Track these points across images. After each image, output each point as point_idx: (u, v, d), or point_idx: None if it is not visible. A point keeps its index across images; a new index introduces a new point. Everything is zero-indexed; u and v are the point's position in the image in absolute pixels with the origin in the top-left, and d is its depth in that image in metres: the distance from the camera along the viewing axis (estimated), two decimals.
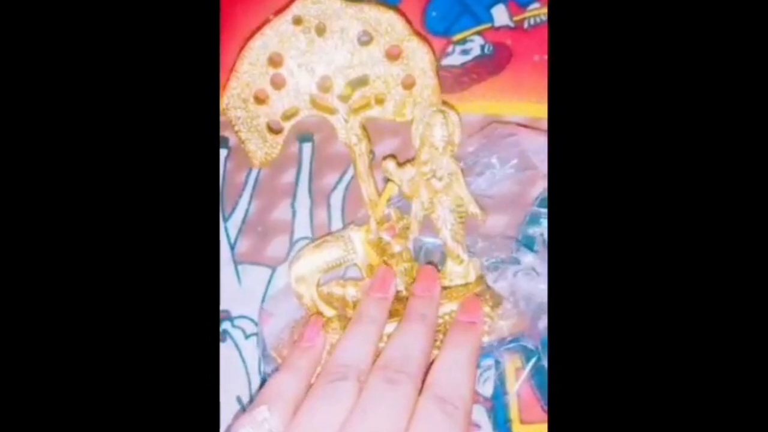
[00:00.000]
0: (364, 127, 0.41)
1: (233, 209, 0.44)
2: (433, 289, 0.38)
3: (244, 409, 0.42)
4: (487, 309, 0.38)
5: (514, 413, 0.39)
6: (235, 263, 0.43)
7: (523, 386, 0.40)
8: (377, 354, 0.36)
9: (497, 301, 0.38)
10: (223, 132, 0.44)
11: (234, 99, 0.41)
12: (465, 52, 0.43)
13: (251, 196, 0.44)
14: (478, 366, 0.38)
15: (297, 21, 0.40)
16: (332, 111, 0.41)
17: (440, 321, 0.38)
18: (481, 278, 0.39)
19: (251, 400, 0.41)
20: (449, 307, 0.38)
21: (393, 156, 0.41)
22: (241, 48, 0.40)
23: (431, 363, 0.36)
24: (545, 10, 0.43)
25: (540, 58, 0.43)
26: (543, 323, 0.38)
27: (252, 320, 0.43)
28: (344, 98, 0.41)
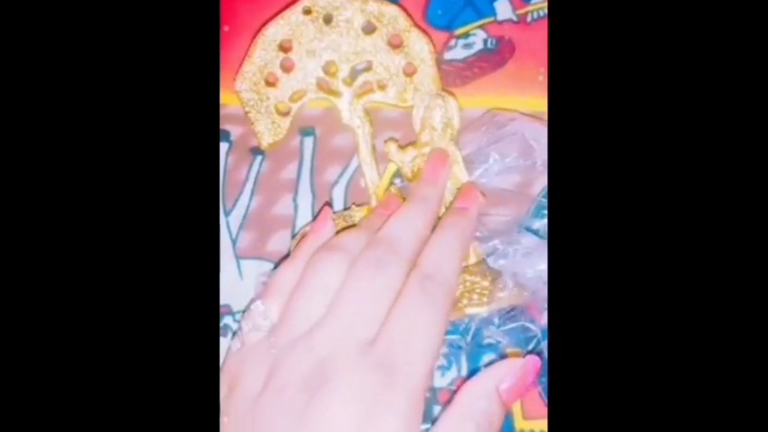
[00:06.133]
0: (367, 111, 0.42)
1: (234, 204, 0.43)
2: (440, 173, 0.39)
3: None
4: (486, 283, 0.38)
5: (515, 409, 0.39)
6: (237, 258, 0.43)
7: None
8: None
9: (496, 275, 0.38)
10: (224, 125, 0.44)
11: (247, 82, 0.43)
12: (468, 46, 0.44)
13: (252, 191, 0.43)
14: (467, 249, 0.38)
15: (307, 11, 0.43)
16: (337, 94, 0.43)
17: None
18: (481, 262, 0.39)
19: None
20: None
21: (395, 139, 0.42)
22: (253, 37, 0.43)
23: None
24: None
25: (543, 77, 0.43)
26: (543, 294, 0.38)
27: None
28: (348, 82, 0.42)
